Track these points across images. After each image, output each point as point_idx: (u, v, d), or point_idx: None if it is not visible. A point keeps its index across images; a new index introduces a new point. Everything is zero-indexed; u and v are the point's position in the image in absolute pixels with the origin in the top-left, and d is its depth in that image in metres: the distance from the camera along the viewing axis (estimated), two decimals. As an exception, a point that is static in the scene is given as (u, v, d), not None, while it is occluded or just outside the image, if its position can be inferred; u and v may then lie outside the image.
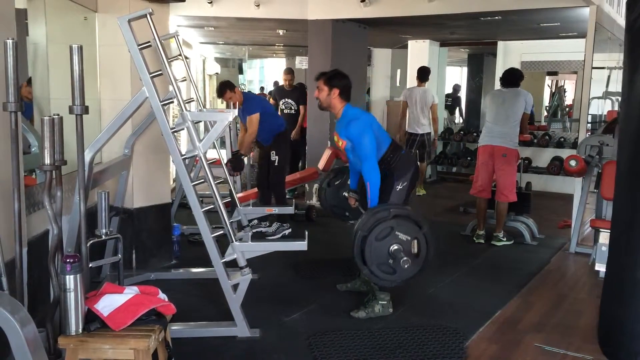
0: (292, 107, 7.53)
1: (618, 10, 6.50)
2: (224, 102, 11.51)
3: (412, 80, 8.91)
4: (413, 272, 3.15)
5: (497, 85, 5.69)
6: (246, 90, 14.74)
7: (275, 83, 12.09)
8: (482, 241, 5.46)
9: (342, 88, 3.72)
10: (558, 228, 6.10)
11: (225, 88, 5.46)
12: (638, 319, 2.16)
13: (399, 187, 3.72)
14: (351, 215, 4.29)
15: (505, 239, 5.42)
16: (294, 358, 3.11)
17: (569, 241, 5.36)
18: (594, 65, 5.50)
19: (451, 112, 11.43)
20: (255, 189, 5.95)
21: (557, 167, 7.68)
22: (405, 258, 3.07)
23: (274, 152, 5.44)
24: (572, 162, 4.92)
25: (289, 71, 7.79)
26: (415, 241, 3.16)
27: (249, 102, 5.50)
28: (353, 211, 4.15)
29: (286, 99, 7.55)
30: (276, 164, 5.45)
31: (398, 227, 3.17)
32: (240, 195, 5.46)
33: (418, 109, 7.54)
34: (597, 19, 5.37)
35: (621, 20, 6.54)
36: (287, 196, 5.87)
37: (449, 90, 11.68)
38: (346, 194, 4.16)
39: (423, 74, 7.64)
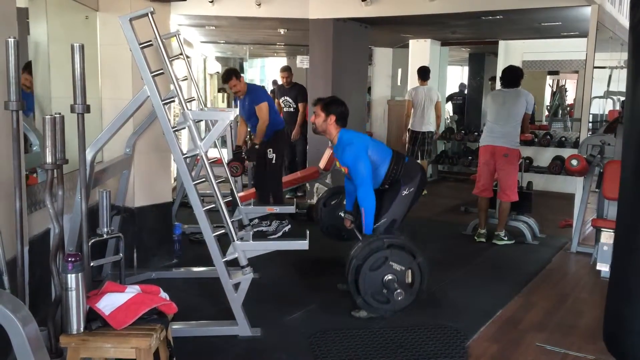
0: (291, 105, 7.51)
1: (620, 10, 6.49)
2: (225, 101, 11.44)
3: (413, 80, 8.94)
4: (407, 302, 3.15)
5: (498, 84, 5.68)
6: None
7: (274, 82, 12.06)
8: (484, 240, 5.46)
9: (338, 115, 3.81)
10: (559, 227, 6.09)
11: (231, 74, 5.44)
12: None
13: (405, 192, 3.79)
14: (347, 235, 4.32)
15: (506, 238, 5.42)
16: (295, 357, 3.11)
17: (570, 241, 5.36)
18: (595, 65, 5.49)
19: (462, 110, 11.35)
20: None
21: (559, 167, 7.67)
22: (399, 290, 3.07)
23: (270, 149, 5.39)
24: (574, 162, 4.92)
25: (286, 68, 7.76)
26: (410, 271, 3.16)
27: (256, 93, 5.49)
28: (349, 231, 4.18)
29: (285, 97, 7.55)
30: (273, 161, 5.41)
31: (392, 257, 3.17)
32: (241, 194, 5.46)
33: (424, 108, 7.71)
34: (598, 18, 5.36)
35: (623, 20, 6.53)
36: (287, 196, 5.87)
37: (450, 89, 11.67)
38: (342, 214, 4.21)
39: (424, 73, 7.86)
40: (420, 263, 3.17)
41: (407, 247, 3.19)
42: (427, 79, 7.83)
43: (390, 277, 3.14)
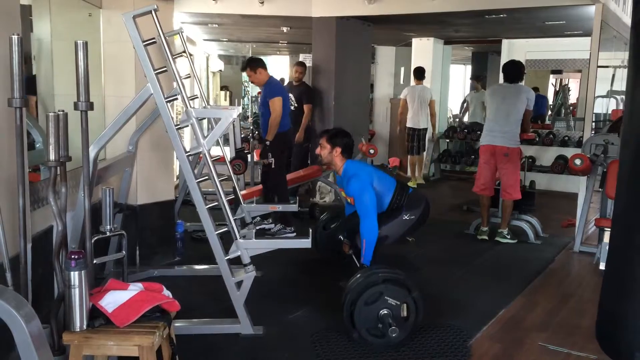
0: (292, 104, 7.06)
1: (624, 9, 6.48)
2: (228, 99, 11.38)
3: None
4: (402, 337, 3.15)
5: (501, 79, 5.67)
6: (248, 88, 14.76)
7: (281, 80, 12.01)
8: (486, 238, 5.45)
9: (343, 146, 3.91)
10: (562, 227, 6.08)
11: (247, 65, 5.36)
12: (638, 315, 2.15)
13: (406, 217, 3.91)
14: (346, 260, 4.30)
15: (509, 237, 5.41)
16: (297, 355, 3.11)
17: (573, 240, 5.34)
18: (599, 64, 5.47)
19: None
20: (259, 187, 5.94)
21: (562, 166, 7.67)
22: (393, 327, 3.07)
23: (270, 154, 5.28)
24: (577, 161, 4.91)
25: (301, 64, 7.39)
26: (405, 305, 3.16)
27: (271, 86, 5.39)
28: (348, 256, 4.19)
29: (289, 94, 7.41)
30: (272, 166, 5.33)
31: (387, 292, 3.16)
32: (244, 192, 5.46)
33: (417, 106, 8.09)
34: (602, 17, 5.34)
35: (627, 19, 6.51)
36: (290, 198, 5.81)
37: (452, 88, 11.64)
38: (341, 237, 4.25)
39: (420, 73, 8.27)
40: (415, 297, 3.18)
41: (402, 282, 3.21)
42: (422, 79, 8.24)
43: (385, 312, 3.14)
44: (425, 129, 8.28)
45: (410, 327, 3.18)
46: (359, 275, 3.30)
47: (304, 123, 7.02)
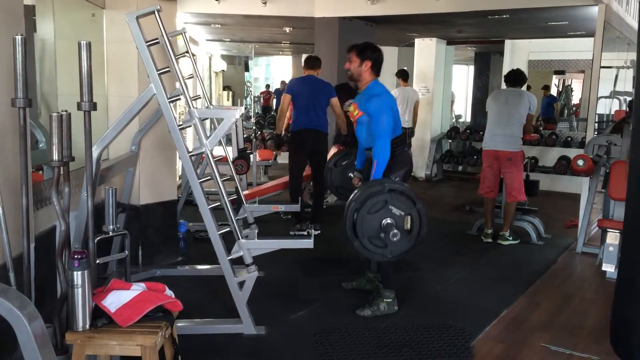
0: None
1: (627, 9, 6.47)
2: (230, 99, 11.36)
3: (417, 79, 9.03)
4: (404, 247, 3.08)
5: (504, 85, 5.67)
6: (251, 88, 14.77)
7: (283, 83, 11.98)
8: (490, 240, 5.45)
9: (374, 60, 3.70)
10: (565, 228, 6.08)
11: (315, 62, 5.51)
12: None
13: (393, 178, 3.73)
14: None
15: (511, 238, 5.41)
16: (299, 355, 3.11)
17: (575, 241, 5.34)
18: (602, 65, 5.47)
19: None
20: (260, 187, 5.96)
21: (564, 167, 7.66)
22: (395, 231, 3.02)
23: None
24: (580, 162, 4.90)
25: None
26: (409, 217, 3.10)
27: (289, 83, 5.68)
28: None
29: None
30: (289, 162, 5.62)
31: (392, 201, 3.09)
32: (246, 192, 5.47)
33: (404, 106, 8.27)
34: (605, 18, 5.34)
35: (630, 19, 6.50)
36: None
37: (455, 88, 11.64)
38: (351, 175, 4.10)
39: (405, 74, 8.57)
40: (420, 209, 3.11)
41: (407, 193, 3.14)
42: (407, 79, 8.60)
43: (389, 221, 3.08)
44: (411, 128, 8.43)
45: (412, 241, 3.13)
46: (364, 186, 3.25)
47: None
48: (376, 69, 3.73)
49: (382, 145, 3.55)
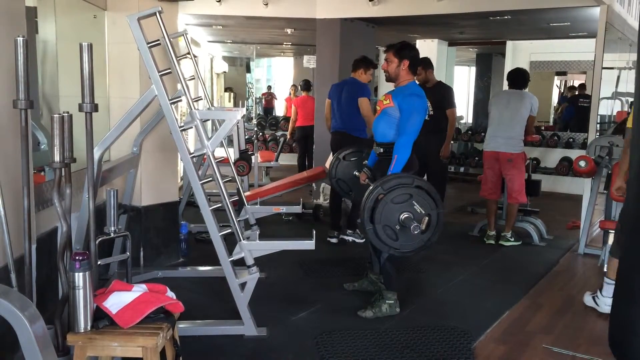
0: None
1: (629, 10, 6.46)
2: (232, 101, 11.36)
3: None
4: (413, 246, 3.08)
5: (506, 85, 5.67)
6: (252, 89, 14.78)
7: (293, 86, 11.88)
8: (493, 242, 5.44)
9: (411, 59, 3.69)
10: (567, 229, 6.07)
11: (363, 64, 5.38)
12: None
13: None
14: (354, 194, 4.27)
15: (513, 240, 5.40)
16: (301, 357, 3.11)
17: (577, 242, 5.33)
18: (603, 66, 5.46)
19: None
20: (262, 188, 5.95)
21: (566, 168, 7.66)
22: (416, 224, 3.01)
23: None
24: (582, 163, 4.90)
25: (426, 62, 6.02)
26: (427, 218, 3.11)
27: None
28: (358, 190, 4.08)
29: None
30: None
31: (417, 197, 3.10)
32: (247, 193, 5.46)
33: None
34: (607, 19, 5.33)
35: (632, 20, 6.50)
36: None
37: (457, 90, 11.62)
38: (357, 173, 4.08)
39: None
40: (439, 214, 3.12)
41: (432, 194, 3.15)
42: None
43: (407, 216, 3.09)
44: None
45: (422, 242, 3.14)
46: (390, 175, 3.26)
47: (450, 133, 5.85)
48: (413, 68, 3.73)
49: (405, 143, 3.54)
